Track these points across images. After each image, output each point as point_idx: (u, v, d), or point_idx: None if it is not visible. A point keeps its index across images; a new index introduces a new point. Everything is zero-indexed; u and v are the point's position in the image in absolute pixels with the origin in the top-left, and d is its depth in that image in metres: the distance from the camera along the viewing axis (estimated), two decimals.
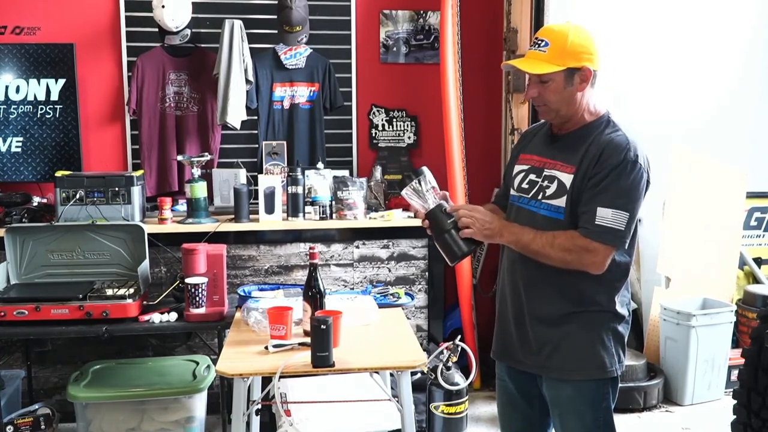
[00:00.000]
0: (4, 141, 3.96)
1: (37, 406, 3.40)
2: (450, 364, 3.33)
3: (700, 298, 4.14)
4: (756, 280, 4.49)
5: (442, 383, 3.23)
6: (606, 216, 1.95)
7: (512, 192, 2.21)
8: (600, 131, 2.04)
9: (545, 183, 2.08)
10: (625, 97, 4.04)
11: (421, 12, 4.36)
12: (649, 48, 4.29)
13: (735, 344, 4.16)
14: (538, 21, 3.93)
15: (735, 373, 3.74)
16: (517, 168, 2.21)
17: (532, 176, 2.14)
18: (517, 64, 2.06)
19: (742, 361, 2.76)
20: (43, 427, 3.33)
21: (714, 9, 4.38)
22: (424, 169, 2.13)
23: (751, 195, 4.46)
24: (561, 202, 2.03)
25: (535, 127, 2.30)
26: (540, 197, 2.09)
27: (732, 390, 2.79)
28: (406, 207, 3.97)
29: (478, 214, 2.03)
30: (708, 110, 4.38)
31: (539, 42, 2.04)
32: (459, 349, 2.69)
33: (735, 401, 2.69)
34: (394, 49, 4.38)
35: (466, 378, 2.88)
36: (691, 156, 4.24)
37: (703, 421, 3.76)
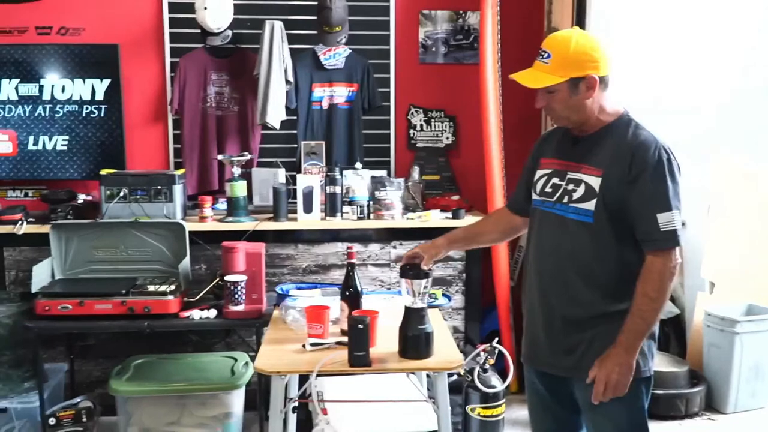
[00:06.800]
0: (51, 139, 4.05)
1: (78, 399, 3.44)
2: (487, 366, 3.31)
3: (744, 303, 4.05)
4: None
5: (479, 386, 3.21)
6: (667, 220, 1.97)
7: (535, 196, 2.22)
8: (623, 131, 2.05)
9: (570, 186, 2.09)
10: (667, 98, 3.98)
11: (461, 12, 4.34)
12: (693, 44, 4.20)
13: None
14: (579, 20, 3.89)
15: None
16: (539, 173, 2.22)
17: (555, 180, 2.14)
18: (518, 78, 2.08)
19: None
20: (84, 420, 3.37)
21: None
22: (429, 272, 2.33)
23: None
24: (590, 205, 2.03)
25: (555, 131, 2.29)
26: (566, 201, 2.09)
27: None
28: (444, 208, 3.96)
29: (614, 376, 1.99)
30: (753, 112, 4.28)
31: (542, 53, 2.06)
32: (496, 351, 2.67)
33: None
34: (433, 49, 4.37)
35: (503, 381, 2.86)
36: (736, 160, 4.16)
37: (745, 430, 3.69)
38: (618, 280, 2.04)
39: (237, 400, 3.31)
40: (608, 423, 2.11)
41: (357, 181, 3.88)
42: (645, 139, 2.01)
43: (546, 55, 2.04)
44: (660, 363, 3.67)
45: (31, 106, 4.00)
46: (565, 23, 4.04)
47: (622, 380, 2.00)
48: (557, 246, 2.10)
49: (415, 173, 4.16)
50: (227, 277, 3.11)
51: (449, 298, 3.62)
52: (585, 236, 2.05)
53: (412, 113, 4.39)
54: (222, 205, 3.92)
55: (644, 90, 3.83)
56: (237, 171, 3.75)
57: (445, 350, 2.39)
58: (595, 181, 2.03)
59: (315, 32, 4.13)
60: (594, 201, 2.03)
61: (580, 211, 2.05)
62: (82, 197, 3.92)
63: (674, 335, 4.27)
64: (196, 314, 3.19)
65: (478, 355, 3.17)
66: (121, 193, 3.59)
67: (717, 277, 4.15)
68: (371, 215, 3.83)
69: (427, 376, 2.83)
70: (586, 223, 2.04)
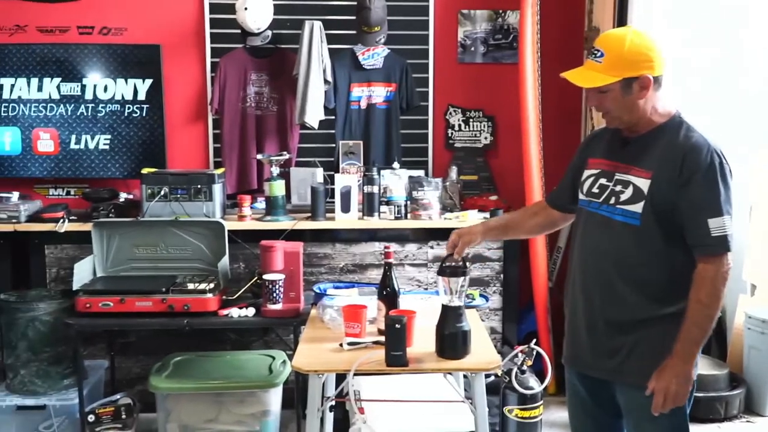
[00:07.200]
0: (93, 138, 4.11)
1: (118, 396, 3.48)
2: (525, 367, 3.28)
3: None
4: None
5: (517, 387, 3.19)
6: (719, 225, 1.93)
7: (581, 196, 2.19)
8: (674, 133, 2.01)
9: (618, 188, 2.06)
10: (707, 97, 3.91)
11: (500, 11, 4.31)
12: (735, 43, 4.11)
13: None
14: (621, 20, 3.83)
15: None
16: (587, 173, 2.19)
17: (603, 180, 2.11)
18: (570, 77, 2.05)
19: None
20: (123, 416, 3.39)
21: None
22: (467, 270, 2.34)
23: None
24: (638, 207, 2.01)
25: (604, 130, 2.25)
26: (613, 202, 2.06)
27: None
28: (482, 208, 3.94)
29: (673, 387, 1.97)
30: None
31: (595, 52, 2.02)
32: (534, 352, 2.66)
33: None
34: (472, 48, 4.35)
35: (541, 382, 2.84)
36: None
37: None
38: (665, 282, 2.01)
39: (275, 398, 3.33)
40: (650, 427, 2.08)
41: (395, 180, 3.88)
42: (697, 141, 1.97)
43: (599, 53, 2.00)
44: (700, 366, 3.58)
45: (73, 105, 4.07)
46: (607, 23, 3.99)
47: (681, 390, 1.97)
48: (602, 247, 2.08)
49: (453, 173, 4.14)
50: (265, 276, 3.14)
51: (487, 299, 3.60)
52: (630, 238, 2.02)
53: (450, 113, 4.37)
54: (261, 204, 3.95)
55: (684, 89, 3.76)
56: (276, 170, 3.78)
57: (483, 351, 2.38)
58: (643, 183, 2.00)
59: (354, 32, 4.14)
60: (642, 203, 2.00)
61: (627, 213, 2.03)
62: (123, 196, 3.98)
63: (714, 338, 4.19)
64: (234, 312, 3.22)
65: (516, 356, 3.15)
66: (162, 192, 3.64)
67: (758, 279, 4.06)
68: (409, 215, 3.83)
69: (464, 376, 2.82)
70: (633, 225, 2.02)
